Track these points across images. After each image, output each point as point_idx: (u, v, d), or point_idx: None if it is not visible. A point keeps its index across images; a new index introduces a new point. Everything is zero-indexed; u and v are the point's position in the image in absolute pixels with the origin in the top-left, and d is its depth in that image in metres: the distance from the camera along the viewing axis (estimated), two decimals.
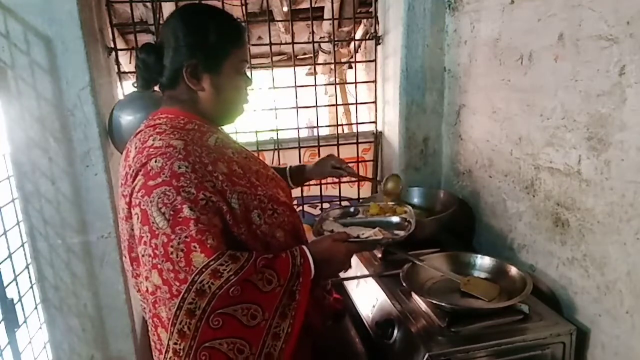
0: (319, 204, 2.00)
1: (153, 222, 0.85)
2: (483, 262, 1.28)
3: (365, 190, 2.05)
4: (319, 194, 1.98)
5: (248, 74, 1.05)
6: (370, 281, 1.32)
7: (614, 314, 1.02)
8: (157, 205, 0.85)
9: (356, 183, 2.03)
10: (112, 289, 1.51)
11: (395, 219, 1.20)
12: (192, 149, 0.91)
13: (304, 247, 0.96)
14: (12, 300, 1.38)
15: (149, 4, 2.09)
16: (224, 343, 0.82)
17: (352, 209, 1.34)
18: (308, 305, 0.90)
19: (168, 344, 0.83)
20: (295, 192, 1.96)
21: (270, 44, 1.85)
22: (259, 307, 0.85)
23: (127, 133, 1.47)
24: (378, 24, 1.89)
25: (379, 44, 1.90)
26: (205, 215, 0.85)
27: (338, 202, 2.03)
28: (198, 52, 0.96)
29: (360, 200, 1.97)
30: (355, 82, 1.97)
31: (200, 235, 0.83)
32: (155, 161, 0.88)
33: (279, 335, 0.86)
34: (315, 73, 2.13)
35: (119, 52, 1.68)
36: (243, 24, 1.05)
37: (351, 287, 1.45)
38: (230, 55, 0.98)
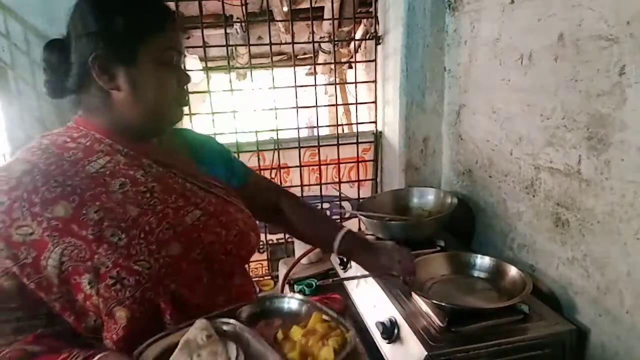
0: (319, 204, 2.01)
1: None
2: (483, 262, 1.28)
3: (366, 190, 2.05)
4: (319, 194, 1.98)
5: (195, 66, 0.91)
6: (370, 281, 1.32)
7: (614, 314, 1.02)
8: None
9: (356, 183, 2.03)
10: None
11: None
12: (31, 179, 0.74)
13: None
14: None
15: None
16: None
17: (286, 305, 0.87)
18: None
19: None
20: (295, 191, 1.96)
21: (271, 44, 1.85)
22: None
23: None
24: (378, 24, 1.89)
25: (379, 44, 1.90)
26: None
27: (338, 202, 2.03)
28: (105, 39, 0.77)
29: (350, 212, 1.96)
30: (355, 82, 1.97)
31: None
32: None
33: None
34: (315, 73, 2.14)
35: None
36: (170, 4, 0.86)
37: (351, 287, 1.45)
38: (145, 42, 0.79)
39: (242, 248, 0.90)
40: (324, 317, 0.80)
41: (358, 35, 2.70)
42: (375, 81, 1.95)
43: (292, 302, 0.87)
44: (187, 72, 0.87)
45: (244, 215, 0.93)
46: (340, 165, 1.97)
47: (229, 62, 1.90)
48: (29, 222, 0.72)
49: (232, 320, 0.77)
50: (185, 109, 0.92)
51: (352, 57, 2.83)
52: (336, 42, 2.30)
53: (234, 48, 3.12)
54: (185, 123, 1.72)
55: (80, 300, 0.73)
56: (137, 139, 0.85)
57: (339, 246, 1.07)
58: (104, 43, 0.77)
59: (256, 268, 2.10)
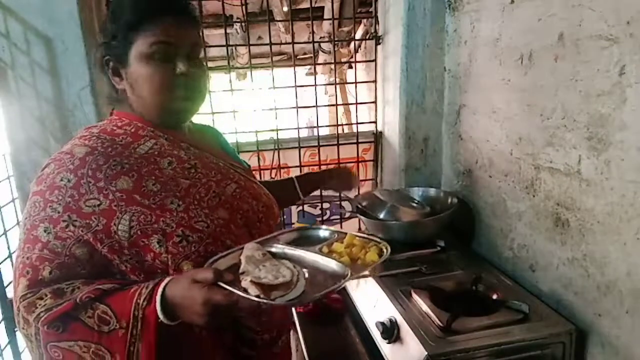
0: (319, 204, 2.01)
1: (20, 230, 0.84)
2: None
3: (366, 190, 2.05)
4: (319, 193, 1.98)
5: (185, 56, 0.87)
6: (370, 281, 1.32)
7: (614, 314, 1.02)
8: (25, 214, 0.83)
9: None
10: None
11: (336, 266, 0.86)
12: (93, 158, 0.83)
13: (163, 283, 0.77)
14: (12, 300, 1.38)
15: None
16: None
17: (321, 233, 1.03)
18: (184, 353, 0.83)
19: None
20: None
21: (271, 44, 1.85)
22: (103, 349, 0.76)
23: None
24: (378, 24, 1.89)
25: (379, 44, 1.90)
26: (60, 240, 0.79)
27: (338, 202, 2.03)
28: (107, 46, 0.88)
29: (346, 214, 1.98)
30: (356, 82, 1.97)
31: (39, 262, 0.78)
32: (49, 167, 0.83)
33: None
34: (315, 73, 2.14)
35: None
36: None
37: (351, 287, 1.45)
38: (133, 41, 0.85)
39: (269, 217, 1.02)
40: (357, 238, 0.95)
41: (358, 35, 2.70)
42: (375, 81, 1.95)
43: (325, 231, 1.03)
44: (184, 62, 0.87)
45: (265, 191, 1.06)
46: (340, 165, 1.97)
47: (229, 62, 1.90)
48: (95, 195, 0.81)
49: (277, 244, 0.92)
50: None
51: (352, 57, 2.83)
52: (336, 42, 2.31)
53: (234, 48, 3.12)
54: None
55: (149, 259, 0.82)
56: (165, 127, 0.94)
57: (300, 189, 1.31)
58: (108, 50, 0.89)
59: None
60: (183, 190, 0.87)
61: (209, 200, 0.89)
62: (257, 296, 0.72)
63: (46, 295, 0.77)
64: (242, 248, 0.86)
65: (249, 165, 1.19)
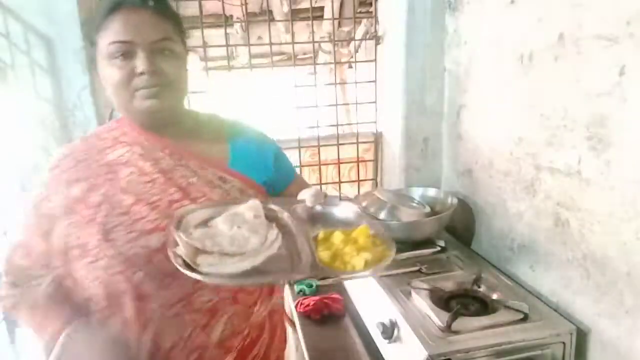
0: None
1: None
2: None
3: (366, 190, 2.05)
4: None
5: (143, 56, 0.81)
6: (371, 281, 1.32)
7: (614, 314, 1.02)
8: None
9: (356, 183, 2.03)
10: None
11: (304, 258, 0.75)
12: (65, 161, 0.87)
13: None
14: None
15: None
16: None
17: (343, 213, 0.90)
18: None
19: None
20: None
21: (271, 43, 1.85)
22: None
23: None
24: (378, 24, 1.89)
25: (379, 44, 1.90)
26: (28, 233, 0.87)
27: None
28: (88, 50, 0.94)
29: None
30: (356, 82, 1.97)
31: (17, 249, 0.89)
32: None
33: None
34: (315, 73, 2.13)
35: None
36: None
37: (351, 287, 1.45)
38: (97, 44, 0.85)
39: None
40: (372, 231, 0.83)
41: (358, 35, 2.70)
42: (375, 81, 1.95)
43: (350, 212, 0.91)
44: (145, 60, 0.82)
45: None
46: (341, 165, 1.97)
47: (228, 62, 1.90)
48: (53, 197, 0.84)
49: (283, 212, 0.83)
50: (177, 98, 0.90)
51: (352, 57, 2.83)
52: (336, 42, 2.30)
53: (234, 48, 3.12)
54: None
55: (74, 272, 0.83)
56: (148, 130, 0.90)
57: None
58: (90, 53, 0.88)
59: None
60: (124, 207, 0.83)
61: (146, 222, 0.82)
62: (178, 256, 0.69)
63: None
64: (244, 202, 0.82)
65: (284, 185, 1.05)
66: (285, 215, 0.83)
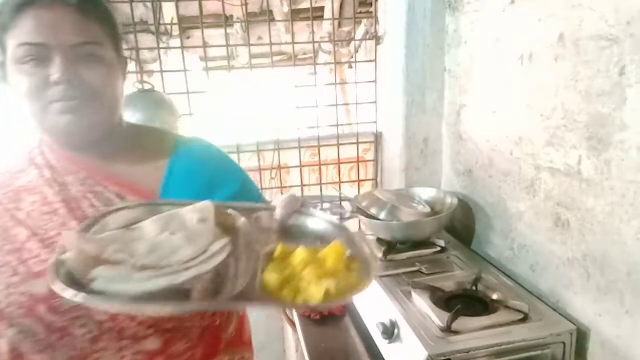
0: (319, 204, 2.00)
1: None
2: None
3: (366, 190, 2.05)
4: (319, 194, 1.98)
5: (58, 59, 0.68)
6: None
7: (614, 314, 1.02)
8: None
9: (356, 183, 2.03)
10: None
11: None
12: None
13: None
14: None
15: (149, 4, 2.09)
16: None
17: (320, 224, 0.72)
18: None
19: None
20: (296, 190, 1.96)
21: (271, 43, 1.85)
22: None
23: None
24: (378, 24, 1.89)
25: (379, 44, 1.90)
26: None
27: (338, 202, 2.03)
28: None
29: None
30: (356, 82, 1.97)
31: None
32: None
33: None
34: (315, 73, 2.13)
35: None
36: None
37: None
38: (6, 45, 0.70)
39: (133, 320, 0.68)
40: (348, 252, 0.63)
41: (358, 35, 2.70)
42: (375, 81, 1.95)
43: (326, 223, 0.70)
44: (61, 66, 0.68)
45: None
46: (340, 165, 1.97)
47: (229, 62, 1.90)
48: None
49: (241, 219, 0.64)
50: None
51: (352, 57, 2.83)
52: (336, 42, 2.30)
53: (234, 48, 3.12)
54: (185, 123, 1.72)
55: None
56: (66, 149, 0.77)
57: None
58: None
59: None
60: (16, 243, 0.69)
61: (35, 263, 0.67)
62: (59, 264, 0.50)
63: None
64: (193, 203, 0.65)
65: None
66: (241, 223, 0.65)
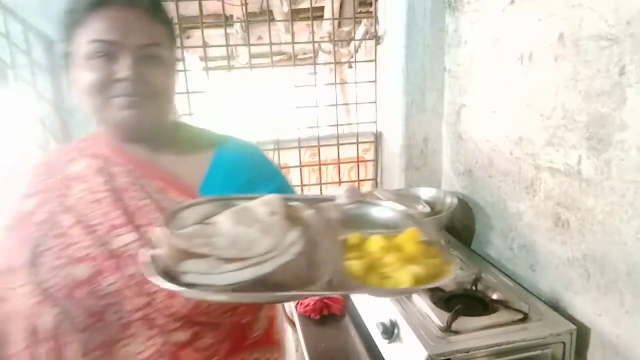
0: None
1: None
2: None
3: (366, 190, 2.05)
4: (319, 193, 1.98)
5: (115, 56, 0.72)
6: None
7: (614, 314, 1.02)
8: None
9: (356, 183, 2.03)
10: None
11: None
12: (35, 172, 0.81)
13: None
14: None
15: None
16: None
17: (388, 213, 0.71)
18: None
19: None
20: (296, 190, 1.96)
21: (271, 43, 1.85)
22: None
23: None
24: (378, 24, 1.89)
25: (379, 43, 1.90)
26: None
27: None
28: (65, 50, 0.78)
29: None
30: (356, 82, 1.97)
31: None
32: None
33: None
34: (315, 73, 2.13)
35: None
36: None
37: None
38: (75, 41, 0.75)
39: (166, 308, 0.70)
40: (424, 237, 0.61)
41: (358, 35, 2.70)
42: (375, 81, 1.95)
43: (396, 212, 0.69)
44: (128, 64, 0.73)
45: None
46: (340, 165, 1.97)
47: (229, 62, 1.90)
48: (15, 208, 0.77)
49: (306, 210, 0.64)
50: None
51: (352, 57, 2.83)
52: (336, 42, 2.30)
53: (234, 48, 3.12)
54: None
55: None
56: (119, 141, 0.81)
57: None
58: (65, 56, 0.78)
59: None
60: (62, 228, 0.73)
61: (77, 248, 0.71)
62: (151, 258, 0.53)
63: None
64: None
65: None
66: (308, 214, 0.65)
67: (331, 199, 0.71)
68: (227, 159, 0.83)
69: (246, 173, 0.82)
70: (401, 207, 0.71)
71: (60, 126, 1.42)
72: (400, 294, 0.83)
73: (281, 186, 0.85)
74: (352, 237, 0.63)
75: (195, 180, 0.79)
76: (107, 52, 0.73)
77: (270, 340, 0.85)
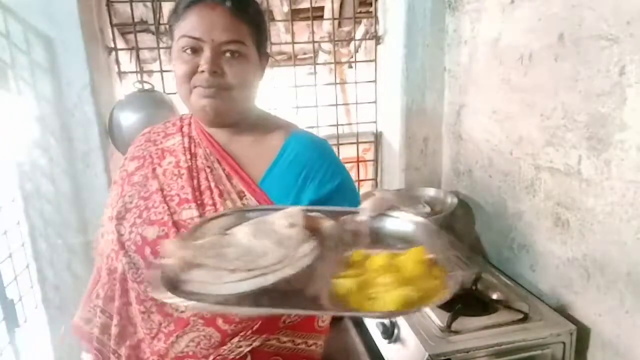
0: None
1: None
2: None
3: (366, 190, 2.05)
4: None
5: (202, 52, 0.80)
6: None
7: (614, 314, 1.02)
8: None
9: (356, 183, 2.03)
10: None
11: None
12: (140, 139, 0.94)
13: None
14: (12, 300, 1.38)
15: (149, 4, 2.08)
16: None
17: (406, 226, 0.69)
18: None
19: None
20: None
21: (271, 43, 1.85)
22: None
23: (127, 133, 1.47)
24: (378, 24, 1.89)
25: (379, 43, 1.90)
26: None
27: None
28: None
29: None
30: (356, 82, 1.97)
31: None
32: None
33: None
34: (315, 73, 2.13)
35: (119, 52, 1.68)
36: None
37: None
38: (175, 34, 0.84)
39: None
40: (430, 256, 0.59)
41: (358, 35, 2.70)
42: (375, 81, 1.95)
43: (411, 224, 0.67)
44: (209, 59, 0.80)
45: None
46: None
47: None
48: (122, 167, 0.90)
49: (327, 222, 0.65)
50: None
51: (352, 57, 2.83)
52: (336, 42, 2.30)
53: None
54: None
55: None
56: (204, 125, 0.90)
57: None
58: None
59: None
60: (147, 192, 0.85)
61: (153, 212, 0.82)
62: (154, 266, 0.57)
63: None
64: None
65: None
66: (327, 226, 0.65)
67: (356, 212, 0.72)
68: (290, 151, 0.88)
69: (304, 167, 0.85)
70: (424, 220, 0.70)
71: (60, 126, 1.42)
72: (382, 317, 0.82)
73: (338, 188, 0.86)
74: (356, 254, 0.62)
75: (261, 169, 0.86)
76: (193, 47, 0.81)
77: (314, 328, 0.87)
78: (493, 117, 1.42)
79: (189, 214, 0.81)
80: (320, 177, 0.86)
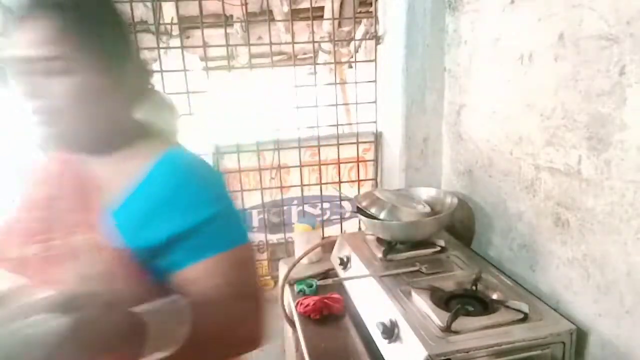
0: (319, 204, 2.01)
1: None
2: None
3: (366, 190, 2.05)
4: (319, 193, 1.98)
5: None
6: (371, 281, 1.32)
7: (614, 314, 1.02)
8: None
9: (357, 183, 2.03)
10: None
11: None
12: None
13: None
14: None
15: (149, 4, 2.09)
16: None
17: None
18: None
19: None
20: (296, 190, 1.96)
21: (271, 43, 1.85)
22: None
23: None
24: (378, 24, 1.89)
25: (379, 43, 1.90)
26: None
27: (338, 202, 2.03)
28: None
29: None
30: (356, 82, 1.97)
31: None
32: None
33: None
34: (315, 73, 2.13)
35: None
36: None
37: (351, 287, 1.45)
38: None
39: None
40: None
41: (358, 36, 2.70)
42: (375, 81, 1.95)
43: None
44: (29, 78, 0.69)
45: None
46: (340, 165, 1.97)
47: (229, 62, 1.90)
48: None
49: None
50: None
51: (352, 57, 2.83)
52: (336, 42, 2.30)
53: (234, 48, 3.12)
54: (185, 123, 1.72)
55: None
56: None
57: None
58: None
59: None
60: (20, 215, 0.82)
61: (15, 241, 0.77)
62: None
63: None
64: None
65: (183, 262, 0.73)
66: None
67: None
68: (156, 172, 0.75)
69: (169, 190, 0.73)
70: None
71: None
72: None
73: (211, 219, 0.73)
74: None
75: (120, 192, 0.74)
76: (15, 67, 0.69)
77: None
78: (493, 117, 1.42)
79: (34, 248, 0.75)
80: (184, 203, 0.72)
